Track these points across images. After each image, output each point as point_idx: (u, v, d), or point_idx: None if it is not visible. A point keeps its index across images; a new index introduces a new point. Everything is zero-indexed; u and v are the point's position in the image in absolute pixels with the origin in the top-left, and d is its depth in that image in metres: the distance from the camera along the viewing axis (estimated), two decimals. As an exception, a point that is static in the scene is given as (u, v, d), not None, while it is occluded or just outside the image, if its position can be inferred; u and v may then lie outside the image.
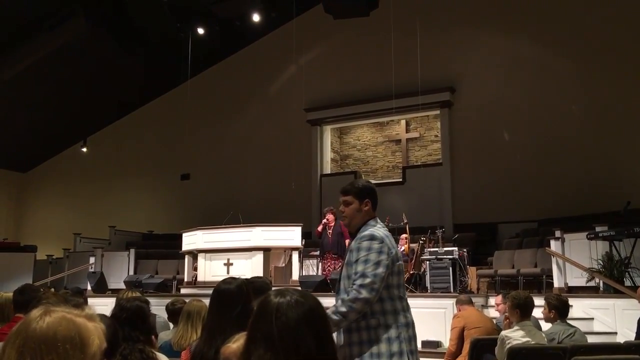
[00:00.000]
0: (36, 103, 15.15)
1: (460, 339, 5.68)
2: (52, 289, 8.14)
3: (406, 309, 2.94)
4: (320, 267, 10.28)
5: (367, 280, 2.80)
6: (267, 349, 1.42)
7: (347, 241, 9.68)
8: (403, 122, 14.99)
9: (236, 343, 1.95)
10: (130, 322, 2.76)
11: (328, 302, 8.01)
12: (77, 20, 12.93)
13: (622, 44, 11.65)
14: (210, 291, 2.78)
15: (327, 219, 9.70)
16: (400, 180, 13.89)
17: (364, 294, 2.78)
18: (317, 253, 10.82)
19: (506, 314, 4.64)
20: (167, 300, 4.97)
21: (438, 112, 13.86)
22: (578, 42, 12.15)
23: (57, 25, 13.07)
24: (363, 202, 3.08)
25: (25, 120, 15.56)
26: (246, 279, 3.69)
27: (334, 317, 2.76)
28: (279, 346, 1.41)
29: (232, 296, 2.62)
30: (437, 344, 7.30)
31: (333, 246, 9.55)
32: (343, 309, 2.80)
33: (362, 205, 3.08)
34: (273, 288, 3.85)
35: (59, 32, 13.22)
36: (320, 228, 9.84)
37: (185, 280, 10.66)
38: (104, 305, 6.35)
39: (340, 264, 9.53)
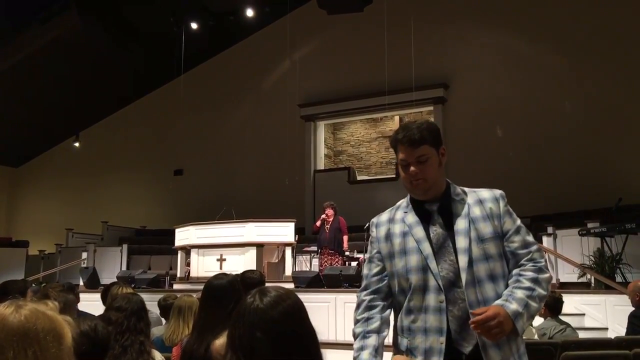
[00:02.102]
0: (28, 97, 15.06)
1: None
2: (43, 284, 8.11)
3: None
4: (318, 262, 10.17)
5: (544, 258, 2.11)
6: (232, 350, 1.44)
7: (344, 237, 9.54)
8: (397, 118, 14.99)
9: (220, 339, 1.96)
10: (137, 314, 2.77)
11: (321, 297, 7.94)
12: (69, 14, 12.85)
13: (616, 41, 11.68)
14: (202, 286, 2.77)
15: (327, 214, 9.58)
16: (394, 176, 13.89)
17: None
18: (310, 249, 10.81)
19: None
20: (160, 296, 4.97)
21: (431, 108, 13.88)
22: (572, 40, 12.18)
23: (50, 18, 12.99)
24: (439, 150, 2.14)
25: (17, 114, 15.46)
26: (240, 274, 3.68)
27: (534, 304, 1.96)
28: (238, 348, 1.42)
29: (224, 292, 2.61)
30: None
31: (330, 242, 9.43)
32: (543, 292, 2.00)
33: (440, 155, 2.14)
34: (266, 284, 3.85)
35: (51, 26, 13.15)
36: (318, 223, 9.75)
37: (178, 275, 10.65)
38: (96, 301, 6.32)
39: (337, 260, 9.39)
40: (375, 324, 2.08)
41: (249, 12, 13.46)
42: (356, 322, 2.12)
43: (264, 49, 15.36)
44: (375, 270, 2.16)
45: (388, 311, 2.13)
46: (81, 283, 10.64)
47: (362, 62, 14.12)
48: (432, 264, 2.01)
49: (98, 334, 2.23)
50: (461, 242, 2.02)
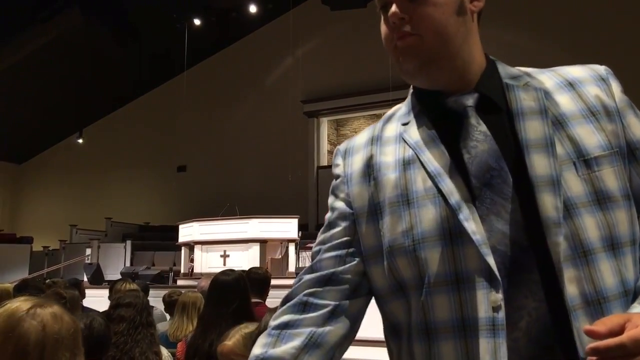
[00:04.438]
0: (32, 94, 15.08)
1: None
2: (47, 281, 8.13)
3: None
4: None
5: None
6: None
7: None
8: (400, 114, 14.98)
9: (232, 340, 1.95)
10: (147, 309, 2.80)
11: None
12: (71, 11, 12.86)
13: (617, 35, 11.64)
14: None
15: None
16: (397, 172, 13.90)
17: None
18: (313, 245, 10.81)
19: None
20: (164, 292, 4.98)
21: (435, 104, 13.85)
22: (572, 34, 12.14)
23: (52, 16, 13.00)
24: None
25: (20, 111, 15.49)
26: (246, 270, 3.69)
27: None
28: None
29: (230, 288, 2.62)
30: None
31: None
32: None
33: (468, 2, 1.01)
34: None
35: (53, 24, 13.16)
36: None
37: (182, 271, 10.67)
38: (100, 297, 6.34)
39: None
40: (292, 343, 0.94)
41: (252, 9, 13.45)
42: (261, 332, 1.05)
43: (266, 46, 15.33)
44: (337, 241, 1.04)
45: (342, 325, 0.97)
46: (85, 279, 10.67)
47: (366, 58, 14.08)
48: (471, 224, 0.87)
49: (93, 332, 2.16)
50: (540, 164, 0.89)
